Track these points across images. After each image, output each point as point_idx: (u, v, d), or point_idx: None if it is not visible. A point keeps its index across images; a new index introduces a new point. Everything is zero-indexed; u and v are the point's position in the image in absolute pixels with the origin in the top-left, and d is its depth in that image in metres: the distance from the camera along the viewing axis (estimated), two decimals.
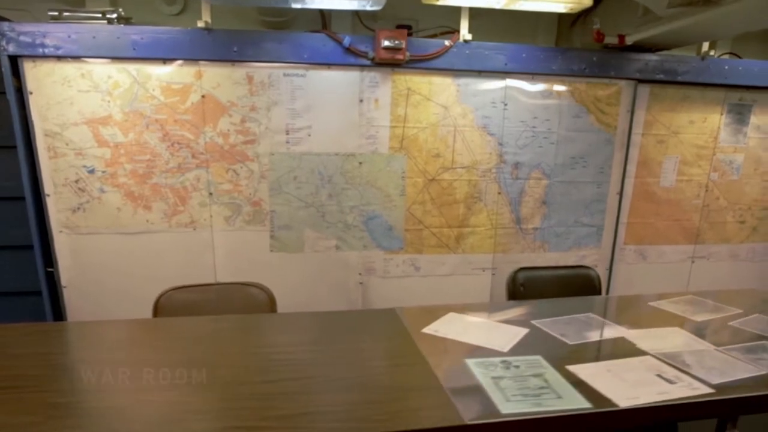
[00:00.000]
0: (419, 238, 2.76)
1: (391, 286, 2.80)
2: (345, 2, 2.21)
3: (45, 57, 2.25)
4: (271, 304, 1.89)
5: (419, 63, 2.52)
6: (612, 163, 2.87)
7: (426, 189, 2.70)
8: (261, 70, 2.42)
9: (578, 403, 1.19)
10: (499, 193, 2.79)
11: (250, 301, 1.88)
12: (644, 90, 2.81)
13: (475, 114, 2.66)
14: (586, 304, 1.96)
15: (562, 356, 1.45)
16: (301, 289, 2.69)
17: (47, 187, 2.38)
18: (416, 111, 2.60)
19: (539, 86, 2.69)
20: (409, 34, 2.48)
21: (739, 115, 2.98)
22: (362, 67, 2.50)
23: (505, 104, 2.67)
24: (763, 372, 1.37)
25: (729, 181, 3.07)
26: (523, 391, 1.23)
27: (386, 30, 2.42)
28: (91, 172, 2.40)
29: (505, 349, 1.48)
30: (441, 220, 2.76)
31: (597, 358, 1.46)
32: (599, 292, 2.23)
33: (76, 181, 2.40)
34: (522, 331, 1.62)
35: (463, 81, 2.61)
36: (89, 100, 2.33)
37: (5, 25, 2.20)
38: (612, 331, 1.66)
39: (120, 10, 2.34)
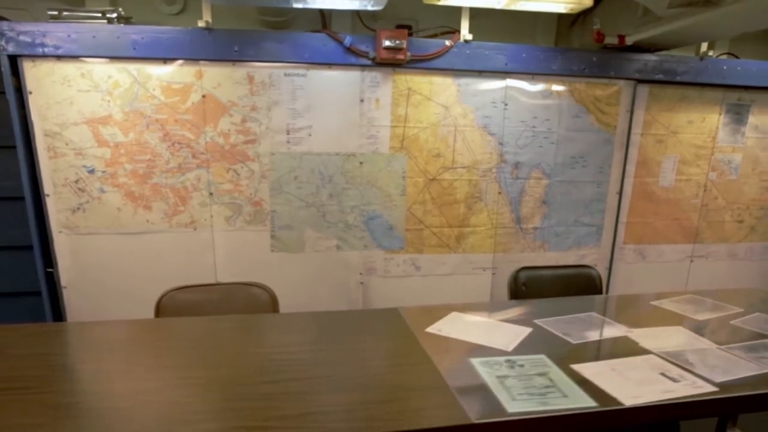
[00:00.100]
0: (420, 237, 2.77)
1: (391, 286, 2.80)
2: (347, 2, 2.21)
3: (45, 57, 2.24)
4: (273, 304, 1.88)
5: (420, 63, 2.52)
6: (611, 162, 2.89)
7: (426, 189, 2.71)
8: (262, 69, 2.42)
9: (584, 401, 1.19)
10: (500, 192, 2.79)
11: (252, 301, 1.88)
12: (643, 90, 2.82)
13: (475, 114, 2.66)
14: (588, 304, 1.97)
15: (566, 355, 1.45)
16: (301, 289, 2.69)
17: (47, 187, 2.37)
18: (417, 111, 2.60)
19: (539, 86, 2.70)
20: (409, 34, 2.48)
21: (738, 115, 3.00)
22: (363, 67, 2.50)
23: (506, 104, 2.68)
24: (766, 370, 1.38)
25: (727, 181, 3.08)
26: (528, 390, 1.23)
27: (387, 30, 2.42)
28: (91, 172, 2.39)
29: (509, 349, 1.48)
30: (441, 220, 2.76)
31: (600, 357, 1.46)
32: (600, 292, 2.24)
33: (76, 181, 2.39)
34: (525, 331, 1.63)
35: (464, 81, 2.61)
36: (89, 100, 2.32)
37: (4, 25, 2.19)
38: (614, 330, 1.67)
39: (120, 9, 2.33)
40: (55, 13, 2.27)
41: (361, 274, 2.76)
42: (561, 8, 2.37)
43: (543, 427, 1.14)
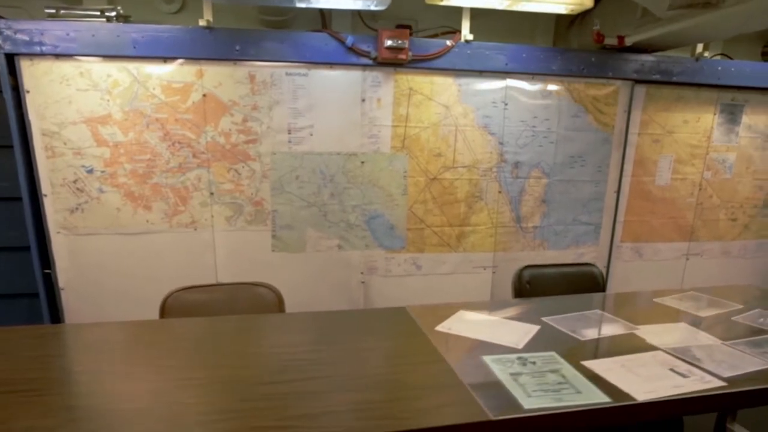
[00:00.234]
0: (421, 237, 2.77)
1: (392, 285, 2.80)
2: (350, 2, 2.20)
3: (42, 55, 2.21)
4: (279, 304, 1.88)
5: (421, 63, 2.53)
6: (610, 162, 2.92)
7: (427, 188, 2.71)
8: (263, 69, 2.41)
9: (598, 397, 1.20)
10: (500, 192, 2.81)
11: (258, 301, 1.87)
12: (641, 90, 2.85)
13: (476, 114, 2.67)
14: (592, 301, 1.99)
15: (576, 352, 1.47)
16: (303, 289, 2.68)
17: (44, 187, 2.33)
18: (418, 110, 2.61)
19: (539, 86, 2.72)
20: (410, 34, 2.49)
21: (732, 114, 3.05)
22: (364, 66, 2.50)
23: (506, 104, 2.70)
24: None
25: (722, 180, 3.13)
26: (542, 387, 1.24)
27: (389, 30, 2.42)
28: (90, 171, 2.36)
29: (520, 346, 1.49)
30: (442, 219, 2.77)
31: (610, 354, 1.47)
32: (602, 289, 2.27)
33: (75, 181, 2.36)
34: (533, 328, 1.64)
35: (464, 81, 2.62)
36: (88, 99, 2.29)
37: (1, 23, 2.15)
38: (621, 327, 1.69)
39: (119, 8, 2.31)
40: (53, 11, 2.24)
41: (362, 273, 2.76)
42: (562, 9, 2.39)
43: (559, 423, 1.15)
